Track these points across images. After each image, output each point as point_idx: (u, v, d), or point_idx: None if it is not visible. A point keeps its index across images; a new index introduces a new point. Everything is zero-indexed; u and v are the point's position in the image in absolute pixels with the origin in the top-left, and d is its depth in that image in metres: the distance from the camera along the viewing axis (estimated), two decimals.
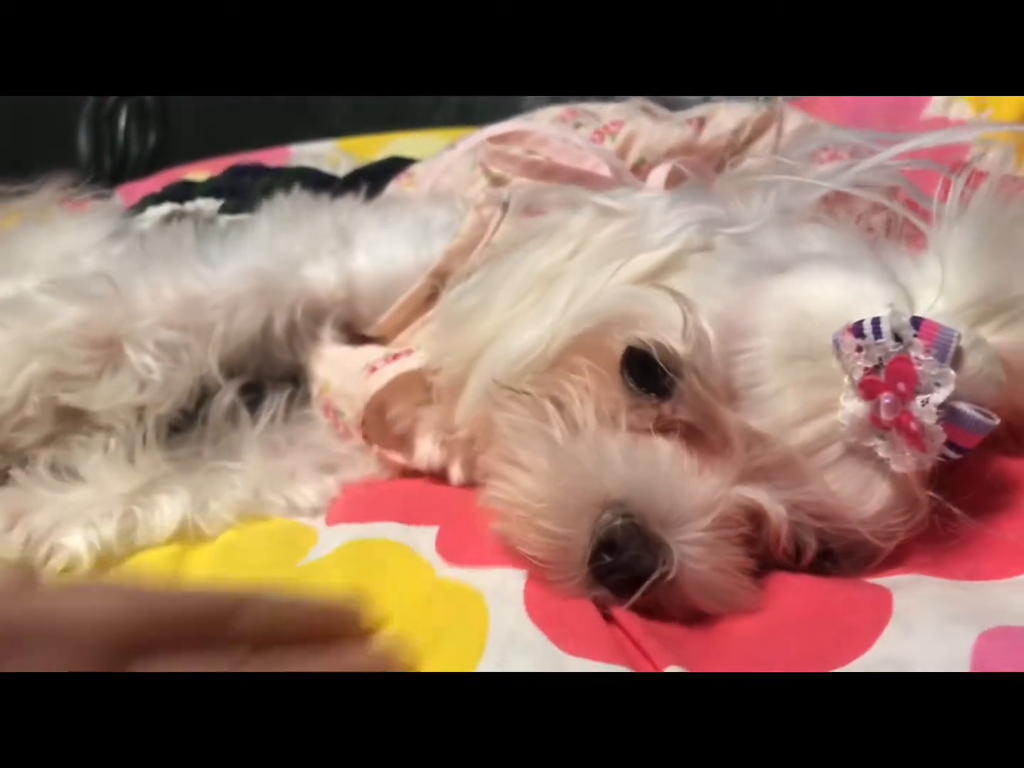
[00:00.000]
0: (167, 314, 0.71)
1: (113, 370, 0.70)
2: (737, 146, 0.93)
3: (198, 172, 1.62)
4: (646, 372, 0.55)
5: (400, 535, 0.62)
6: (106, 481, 0.69)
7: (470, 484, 0.71)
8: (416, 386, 0.71)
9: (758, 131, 0.92)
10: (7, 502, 0.67)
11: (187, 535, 0.67)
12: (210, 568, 0.63)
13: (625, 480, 0.53)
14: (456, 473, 0.71)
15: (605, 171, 0.87)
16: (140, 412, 0.71)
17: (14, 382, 0.68)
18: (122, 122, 1.83)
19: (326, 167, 1.21)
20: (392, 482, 0.73)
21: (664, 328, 0.54)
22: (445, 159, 0.90)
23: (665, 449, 0.54)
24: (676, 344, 0.54)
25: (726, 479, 0.53)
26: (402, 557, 0.60)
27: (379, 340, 0.79)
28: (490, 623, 0.51)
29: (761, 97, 1.53)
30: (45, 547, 0.65)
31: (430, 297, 0.76)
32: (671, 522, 0.52)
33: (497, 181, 0.91)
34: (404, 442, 0.73)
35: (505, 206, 0.77)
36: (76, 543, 0.65)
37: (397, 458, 0.73)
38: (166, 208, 0.92)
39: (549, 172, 0.87)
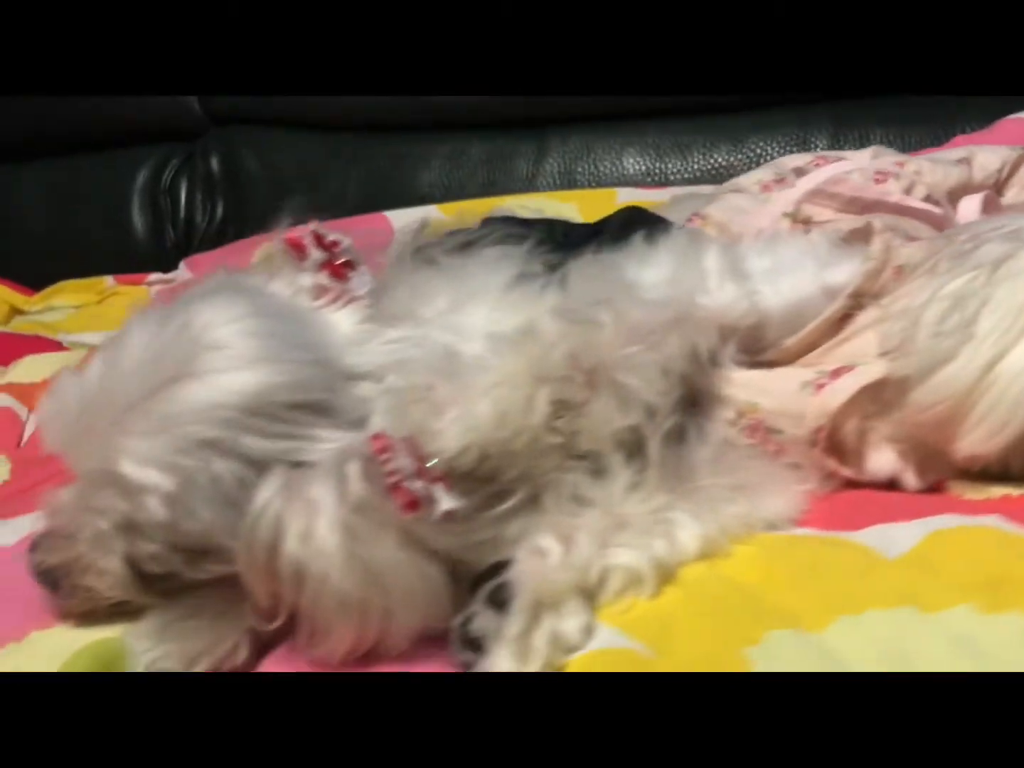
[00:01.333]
0: (633, 340, 0.73)
1: (597, 396, 0.71)
2: (1000, 183, 1.02)
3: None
4: None
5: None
6: (617, 503, 0.69)
7: (924, 489, 0.75)
8: (865, 400, 0.75)
9: (1014, 169, 1.02)
10: (554, 528, 0.66)
11: (707, 550, 0.69)
12: (779, 578, 0.65)
13: None
14: (911, 479, 0.75)
15: (913, 203, 0.94)
16: (617, 435, 0.72)
17: (534, 410, 0.68)
18: (183, 193, 1.78)
19: None
20: (849, 492, 0.76)
21: None
22: (777, 200, 0.95)
23: None
24: None
25: None
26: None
27: (774, 362, 0.82)
28: None
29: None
30: (596, 569, 0.65)
31: (842, 318, 0.80)
32: None
33: (797, 219, 0.97)
34: (850, 454, 0.77)
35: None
36: (633, 561, 0.65)
37: (846, 471, 0.77)
38: None
39: (870, 206, 0.94)
